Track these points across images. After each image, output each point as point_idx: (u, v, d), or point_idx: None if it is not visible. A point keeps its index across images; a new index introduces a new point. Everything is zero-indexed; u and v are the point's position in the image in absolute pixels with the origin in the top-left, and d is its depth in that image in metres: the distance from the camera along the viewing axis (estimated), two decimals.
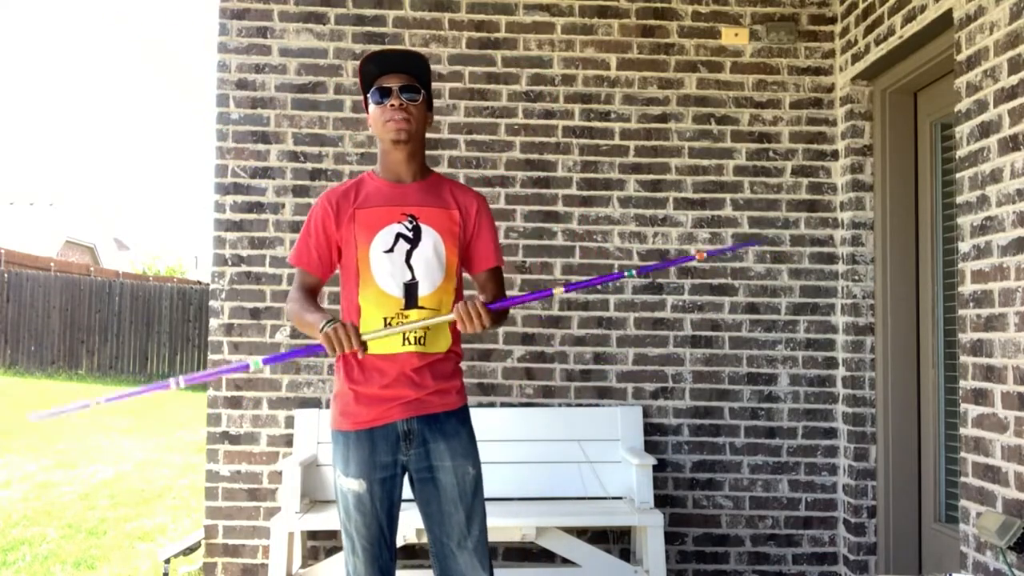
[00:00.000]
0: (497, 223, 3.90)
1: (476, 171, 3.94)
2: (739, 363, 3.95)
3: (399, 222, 2.30)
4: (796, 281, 3.98)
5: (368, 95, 2.34)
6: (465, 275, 2.44)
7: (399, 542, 3.44)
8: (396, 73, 2.30)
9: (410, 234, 2.29)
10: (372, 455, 2.27)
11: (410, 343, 2.27)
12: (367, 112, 2.37)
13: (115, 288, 14.65)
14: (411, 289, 2.28)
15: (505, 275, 3.86)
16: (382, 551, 2.28)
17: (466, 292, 2.40)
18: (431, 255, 2.29)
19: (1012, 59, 2.73)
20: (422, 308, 2.28)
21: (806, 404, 3.95)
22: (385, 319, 2.27)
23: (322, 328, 2.13)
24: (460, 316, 2.15)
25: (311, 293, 2.38)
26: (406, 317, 2.27)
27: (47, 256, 18.17)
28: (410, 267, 2.28)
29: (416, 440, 2.29)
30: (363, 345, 2.13)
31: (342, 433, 2.32)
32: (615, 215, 3.96)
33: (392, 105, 2.27)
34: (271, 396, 3.86)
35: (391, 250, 2.28)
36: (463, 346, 2.52)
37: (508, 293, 3.89)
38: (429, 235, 2.30)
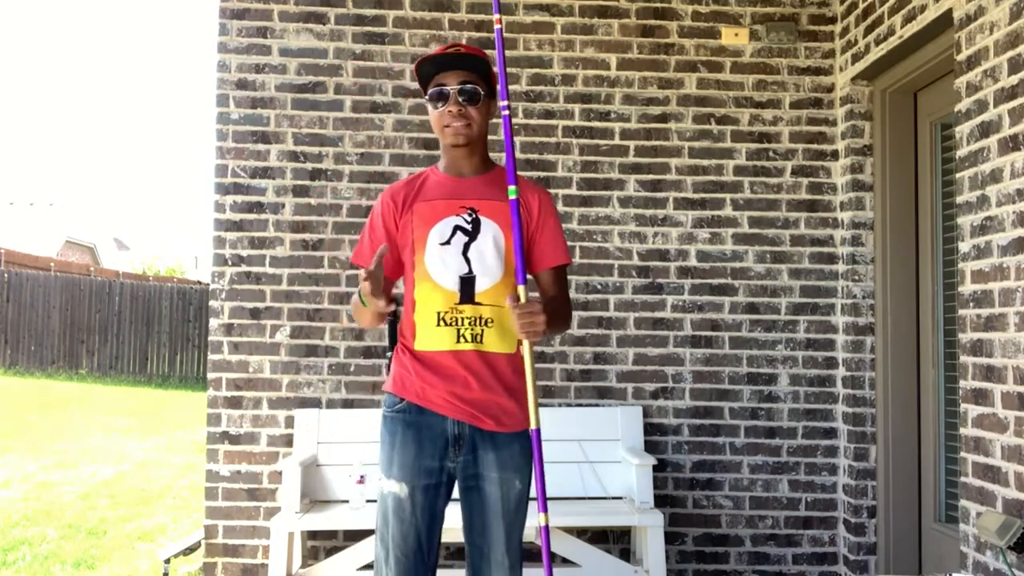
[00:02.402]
0: None
1: None
2: (739, 363, 3.95)
3: (458, 214, 2.19)
4: (796, 281, 3.98)
5: (426, 96, 2.25)
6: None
7: None
8: (453, 71, 2.20)
9: (469, 227, 2.19)
10: (418, 458, 2.16)
11: (466, 340, 2.15)
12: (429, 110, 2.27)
13: (115, 288, 14.65)
14: (467, 283, 2.17)
15: None
16: (416, 566, 2.16)
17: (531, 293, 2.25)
18: (490, 249, 2.18)
19: (1012, 59, 2.73)
20: (478, 304, 2.16)
21: (806, 404, 3.95)
22: (438, 313, 2.16)
23: (356, 294, 2.09)
24: (518, 320, 2.02)
25: None
26: (460, 312, 2.16)
27: (47, 256, 18.17)
28: (467, 260, 2.17)
29: (466, 447, 2.18)
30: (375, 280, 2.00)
31: (390, 419, 2.20)
32: (615, 215, 3.96)
33: (450, 111, 2.18)
34: (271, 396, 3.86)
35: (448, 242, 2.18)
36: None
37: None
38: (489, 228, 2.19)
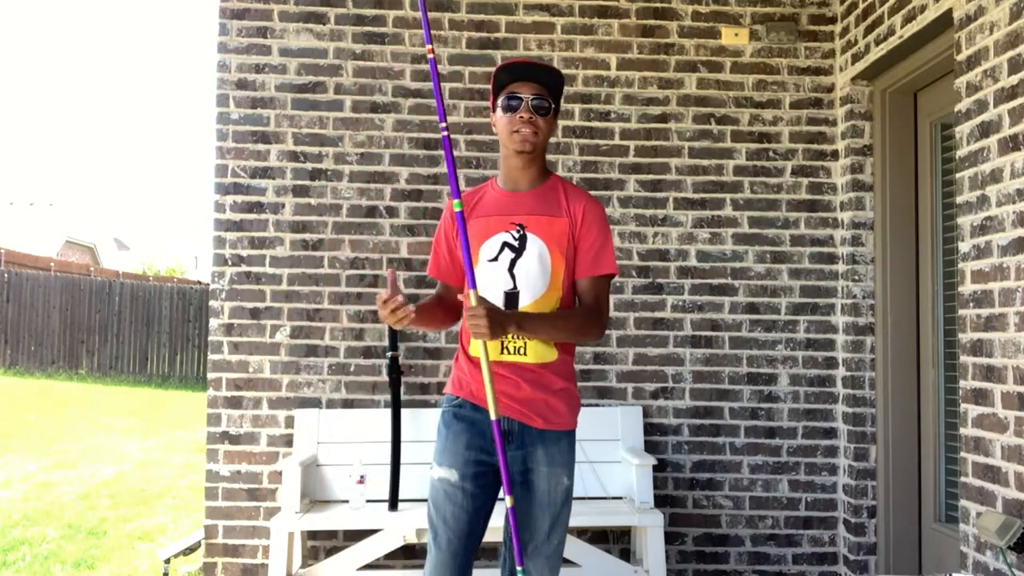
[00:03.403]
0: None
1: (476, 171, 3.94)
2: (739, 363, 3.95)
3: (507, 231, 2.28)
4: (796, 281, 3.98)
5: (498, 100, 2.30)
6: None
7: (400, 541, 3.45)
8: (528, 82, 2.27)
9: (516, 243, 2.27)
10: (469, 448, 2.24)
11: (509, 352, 2.24)
12: (492, 113, 2.35)
13: (115, 288, 14.64)
14: (511, 298, 2.25)
15: None
16: (468, 548, 2.23)
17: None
18: (535, 265, 2.25)
19: (1012, 59, 2.73)
20: None
21: (806, 404, 3.95)
22: None
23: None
24: (467, 320, 2.11)
25: (440, 300, 2.40)
26: None
27: (47, 256, 18.17)
28: (512, 276, 2.26)
29: (516, 442, 2.25)
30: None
31: (447, 414, 2.30)
32: (615, 215, 3.96)
33: (521, 117, 2.25)
34: (271, 396, 3.86)
35: (495, 259, 2.27)
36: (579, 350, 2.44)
37: None
38: (535, 244, 2.26)
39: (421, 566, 3.63)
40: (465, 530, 2.23)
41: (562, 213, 2.30)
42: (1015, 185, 2.71)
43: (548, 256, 2.26)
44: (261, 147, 3.93)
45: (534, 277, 2.25)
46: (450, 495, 2.23)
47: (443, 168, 3.93)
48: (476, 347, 2.22)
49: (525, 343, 2.24)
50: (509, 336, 2.22)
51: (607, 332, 3.92)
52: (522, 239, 2.27)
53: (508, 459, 2.21)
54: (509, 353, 2.24)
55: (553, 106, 2.30)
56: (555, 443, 2.26)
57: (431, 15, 3.97)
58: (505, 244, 2.28)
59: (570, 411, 2.31)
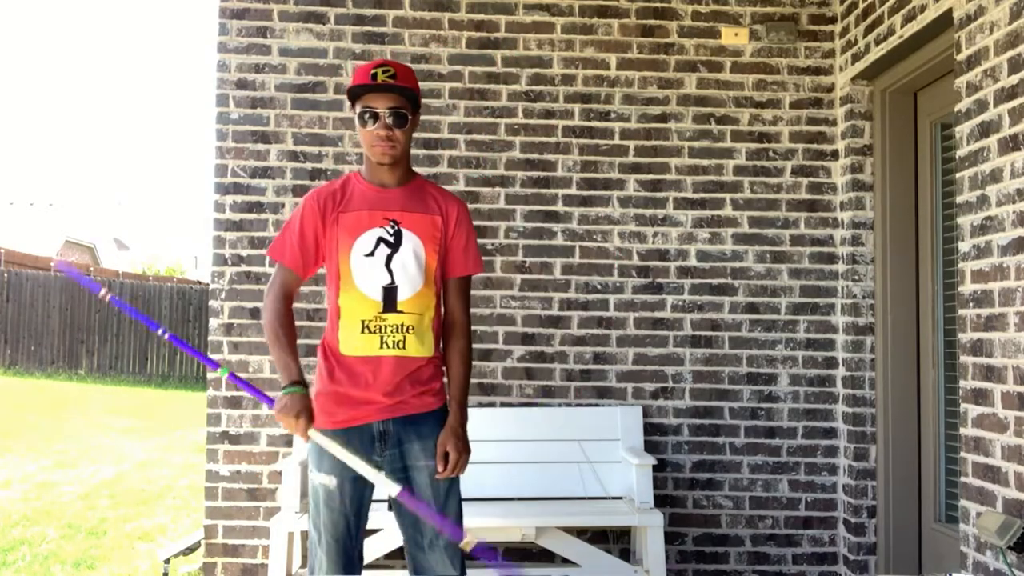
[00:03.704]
0: (497, 223, 3.92)
1: (476, 171, 3.94)
2: (739, 363, 3.95)
3: (381, 226, 2.34)
4: (796, 281, 3.98)
5: (355, 114, 2.35)
6: None
7: (400, 541, 3.45)
8: (383, 93, 2.30)
9: (391, 239, 2.35)
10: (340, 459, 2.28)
11: (388, 347, 2.31)
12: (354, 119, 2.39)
13: (115, 288, 14.65)
14: (390, 293, 2.32)
15: (505, 275, 3.88)
16: (347, 549, 2.33)
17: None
18: (411, 260, 2.33)
19: (1012, 59, 2.73)
20: (400, 312, 2.32)
21: (806, 404, 3.95)
22: (363, 321, 2.32)
23: (284, 389, 2.24)
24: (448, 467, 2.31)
25: (288, 296, 2.39)
26: (384, 320, 2.31)
27: (47, 256, 18.17)
28: (390, 271, 2.32)
29: (391, 441, 2.33)
30: (307, 436, 2.23)
31: (319, 431, 2.32)
32: (615, 215, 3.96)
33: (379, 134, 2.30)
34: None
35: (371, 254, 2.33)
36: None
37: (508, 293, 3.90)
38: (410, 240, 2.34)
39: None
40: (343, 532, 2.34)
41: (435, 211, 2.40)
42: (1015, 185, 2.71)
43: (423, 251, 2.35)
44: (261, 147, 3.93)
45: (412, 272, 2.33)
46: (329, 501, 2.32)
47: (443, 168, 3.93)
48: (353, 347, 2.34)
49: (404, 337, 2.32)
50: (388, 331, 2.32)
51: (607, 332, 3.93)
52: (397, 234, 2.34)
53: (387, 458, 2.34)
54: (388, 347, 2.31)
55: (410, 113, 2.34)
56: (431, 436, 2.36)
57: (431, 15, 3.97)
58: (380, 239, 2.33)
59: (437, 395, 2.42)
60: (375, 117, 2.29)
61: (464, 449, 2.34)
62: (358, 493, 2.33)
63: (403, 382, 2.32)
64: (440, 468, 2.31)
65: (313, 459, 2.36)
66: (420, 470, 2.33)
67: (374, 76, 2.30)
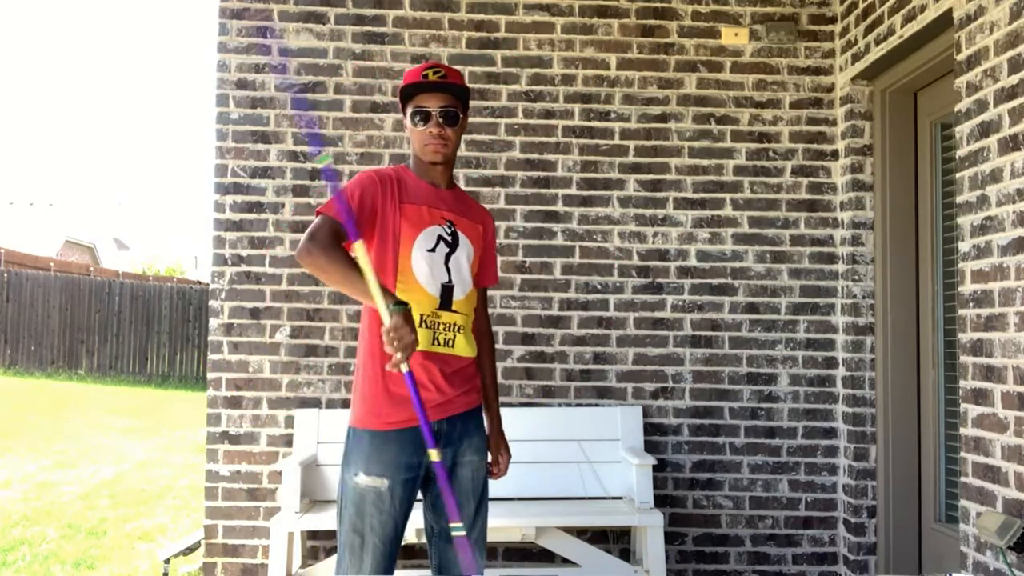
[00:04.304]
0: (497, 223, 3.90)
1: (476, 171, 3.94)
2: (739, 363, 3.95)
3: (440, 225, 2.34)
4: (796, 281, 3.98)
5: (407, 114, 2.36)
6: None
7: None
8: (434, 93, 2.32)
9: (450, 239, 2.34)
10: (399, 455, 2.25)
11: (439, 344, 2.30)
12: (405, 121, 2.38)
13: (115, 288, 14.64)
14: (447, 291, 2.32)
15: (505, 275, 3.89)
16: (392, 552, 2.30)
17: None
18: (464, 262, 2.36)
19: (1012, 59, 2.73)
20: (454, 311, 2.33)
21: (806, 404, 3.95)
22: (421, 316, 2.26)
23: (391, 309, 2.01)
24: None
25: (340, 242, 2.18)
26: (439, 317, 2.29)
27: (47, 256, 18.18)
28: (448, 270, 2.32)
29: (443, 440, 2.29)
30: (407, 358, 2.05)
31: (368, 432, 2.27)
32: (615, 215, 3.96)
33: (431, 132, 2.31)
34: (271, 396, 3.86)
35: (433, 250, 2.31)
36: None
37: (508, 293, 3.90)
38: (464, 244, 2.37)
39: (421, 566, 3.66)
40: (391, 534, 2.30)
41: (477, 219, 2.45)
42: (1015, 185, 2.71)
43: (473, 256, 2.40)
44: (261, 147, 3.93)
45: (464, 274, 2.36)
46: (378, 503, 2.27)
47: None
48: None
49: (455, 336, 2.34)
50: (441, 328, 2.32)
51: (607, 332, 3.93)
52: (454, 235, 2.35)
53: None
54: (439, 344, 2.31)
55: (461, 113, 2.36)
56: (477, 432, 2.41)
57: (431, 15, 3.97)
58: (440, 237, 2.33)
59: (478, 392, 2.45)
60: (427, 116, 2.31)
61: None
62: (408, 495, 2.29)
63: (454, 380, 2.33)
64: (495, 469, 2.49)
65: (359, 463, 2.26)
66: (464, 466, 2.35)
67: (425, 76, 2.32)
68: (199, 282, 16.32)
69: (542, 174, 3.96)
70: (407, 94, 2.34)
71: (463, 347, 2.34)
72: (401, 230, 2.29)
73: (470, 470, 2.36)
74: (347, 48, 3.95)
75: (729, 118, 4.00)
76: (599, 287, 3.94)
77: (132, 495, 5.98)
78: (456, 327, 2.32)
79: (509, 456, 2.56)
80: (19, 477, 6.46)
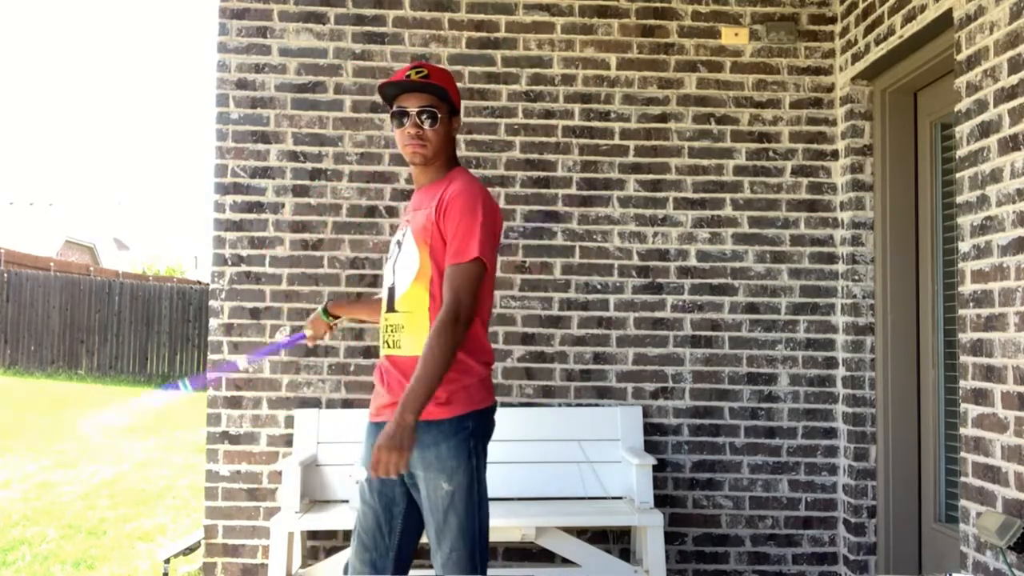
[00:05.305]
0: None
1: (476, 171, 3.93)
2: (739, 363, 3.95)
3: (401, 230, 2.39)
4: (796, 281, 3.98)
5: (390, 112, 2.37)
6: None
7: None
8: (414, 93, 2.31)
9: (401, 240, 2.37)
10: (369, 450, 2.33)
11: (388, 347, 2.33)
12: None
13: (115, 288, 14.65)
14: (391, 293, 2.34)
15: (505, 275, 3.87)
16: (372, 545, 2.28)
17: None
18: (408, 259, 2.31)
19: (1012, 59, 2.73)
20: (396, 311, 2.31)
21: (806, 404, 3.95)
22: (383, 322, 2.39)
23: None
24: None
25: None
26: (387, 320, 2.34)
27: (47, 256, 18.18)
28: (394, 272, 2.35)
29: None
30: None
31: (366, 424, 2.39)
32: (615, 215, 3.96)
33: (409, 133, 2.31)
34: (271, 396, 3.86)
35: (391, 258, 2.39)
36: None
37: (508, 293, 3.90)
38: (409, 239, 2.32)
39: (420, 566, 3.65)
40: (373, 527, 2.30)
41: (428, 205, 2.28)
42: (1015, 185, 2.71)
43: (415, 249, 2.28)
44: (261, 147, 3.92)
45: (406, 271, 2.30)
46: (362, 494, 2.33)
47: None
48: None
49: (400, 337, 2.29)
50: (388, 330, 2.32)
51: (607, 332, 3.92)
52: (405, 235, 2.34)
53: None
54: (388, 347, 2.32)
55: (442, 113, 2.32)
56: (432, 447, 2.17)
57: (431, 15, 3.97)
58: (397, 243, 2.38)
59: (441, 405, 2.18)
60: (406, 116, 2.31)
61: (391, 447, 2.03)
62: (387, 488, 2.27)
63: (397, 383, 2.24)
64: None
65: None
66: (420, 479, 2.21)
67: (408, 76, 2.32)
68: (199, 282, 16.32)
69: (542, 174, 3.96)
70: (390, 95, 2.35)
71: (409, 347, 2.25)
72: None
73: (426, 488, 2.19)
74: (347, 48, 3.95)
75: (729, 118, 4.00)
76: (599, 287, 3.94)
77: (132, 495, 5.98)
78: (400, 327, 2.29)
79: (380, 452, 2.04)
80: (19, 477, 6.45)
